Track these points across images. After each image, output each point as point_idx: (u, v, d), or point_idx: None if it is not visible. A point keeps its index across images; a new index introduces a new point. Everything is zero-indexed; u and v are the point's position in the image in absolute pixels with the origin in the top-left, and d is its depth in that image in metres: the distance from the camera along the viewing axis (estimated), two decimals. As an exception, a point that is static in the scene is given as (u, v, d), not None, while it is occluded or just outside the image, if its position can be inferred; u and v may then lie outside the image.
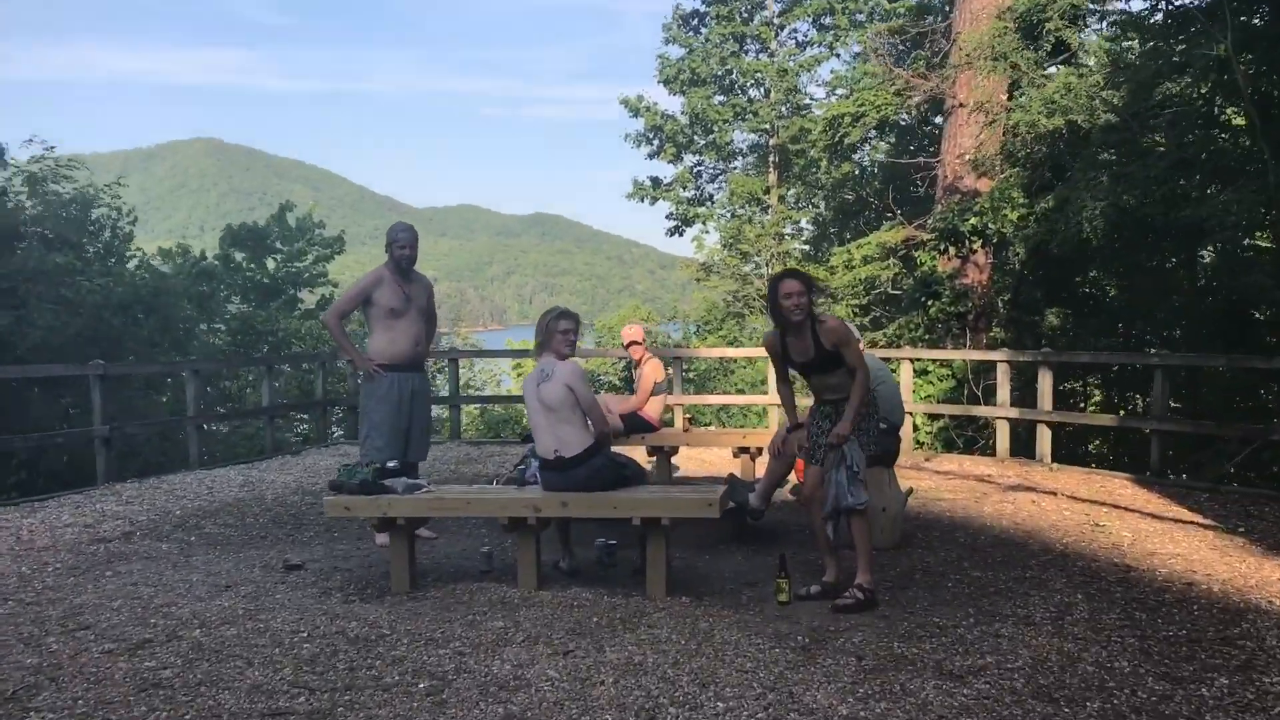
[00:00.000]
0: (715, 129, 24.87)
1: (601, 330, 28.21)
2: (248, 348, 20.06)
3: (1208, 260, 13.01)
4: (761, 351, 15.19)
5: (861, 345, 6.64)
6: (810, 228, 26.24)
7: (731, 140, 25.73)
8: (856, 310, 17.71)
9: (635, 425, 7.98)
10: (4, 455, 11.70)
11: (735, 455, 8.29)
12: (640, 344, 8.28)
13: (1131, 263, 12.40)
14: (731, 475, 7.60)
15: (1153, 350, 11.52)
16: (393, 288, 6.66)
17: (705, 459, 10.44)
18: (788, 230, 25.56)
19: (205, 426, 12.11)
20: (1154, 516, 7.59)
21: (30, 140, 16.53)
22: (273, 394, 11.90)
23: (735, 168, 26.74)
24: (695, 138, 25.59)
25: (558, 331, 5.68)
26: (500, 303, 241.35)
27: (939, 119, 20.59)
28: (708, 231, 26.06)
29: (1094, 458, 13.47)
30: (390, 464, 5.81)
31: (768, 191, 25.20)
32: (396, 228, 6.81)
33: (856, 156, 23.62)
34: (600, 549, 6.16)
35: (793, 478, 7.24)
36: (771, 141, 25.43)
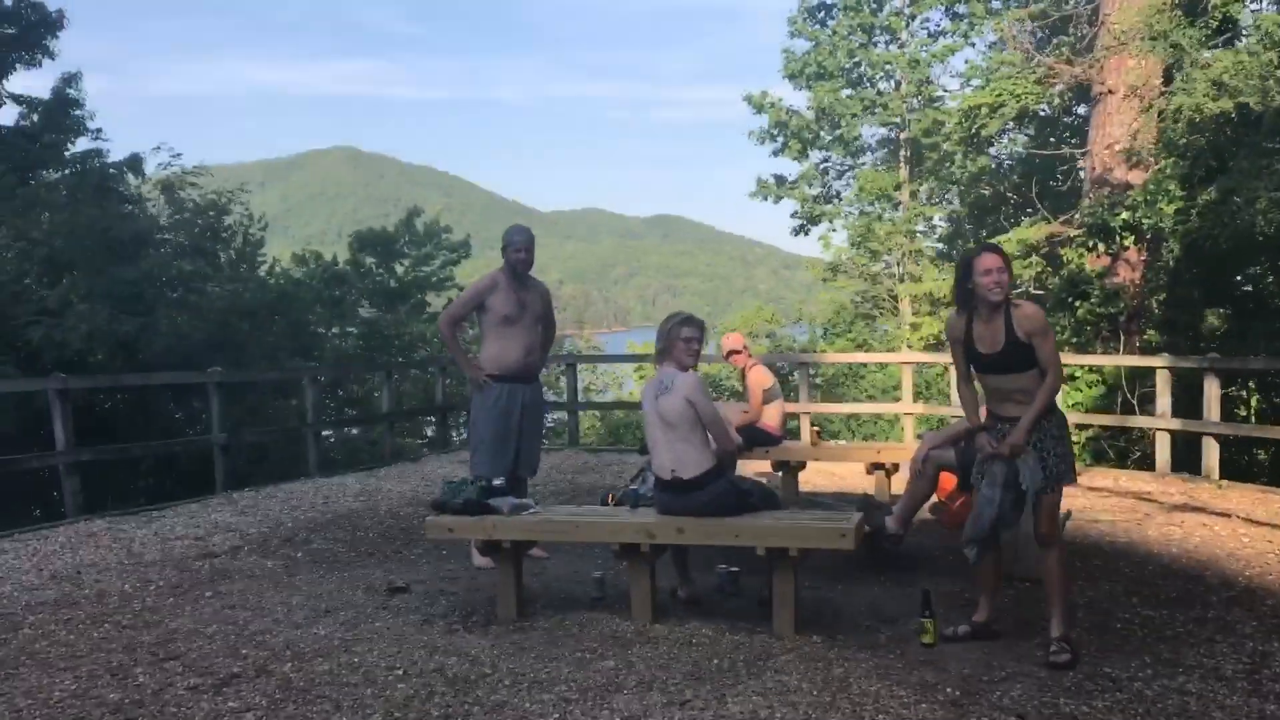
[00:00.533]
0: (843, 123, 24.04)
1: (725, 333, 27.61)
2: (376, 351, 20.19)
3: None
4: (894, 356, 14.46)
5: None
6: (944, 224, 25.20)
7: (859, 135, 24.86)
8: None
9: (755, 438, 7.46)
10: (130, 462, 11.84)
11: (869, 471, 7.71)
12: (740, 352, 7.79)
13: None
14: (866, 495, 7.04)
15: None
16: (507, 293, 6.30)
17: (835, 473, 9.84)
18: (920, 228, 24.57)
19: (323, 433, 11.94)
20: (1350, 545, 6.71)
21: (158, 148, 16.90)
22: (392, 399, 11.76)
23: (864, 163, 25.83)
24: (821, 133, 24.79)
25: (680, 339, 5.20)
26: (623, 304, 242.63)
27: (1081, 109, 19.52)
28: (834, 230, 25.22)
29: (1262, 472, 12.31)
30: (496, 482, 5.43)
31: (899, 188, 24.25)
32: (511, 231, 6.46)
33: (993, 150, 22.57)
34: (722, 576, 5.67)
35: (936, 496, 6.61)
36: (902, 135, 24.49)
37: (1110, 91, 13.63)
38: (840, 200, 25.90)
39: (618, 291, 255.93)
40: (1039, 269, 17.22)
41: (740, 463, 6.14)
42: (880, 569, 6.05)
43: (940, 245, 24.55)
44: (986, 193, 21.48)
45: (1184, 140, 11.63)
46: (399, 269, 24.93)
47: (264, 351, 14.72)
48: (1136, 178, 13.40)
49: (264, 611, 5.35)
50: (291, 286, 20.00)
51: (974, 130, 17.56)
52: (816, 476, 9.47)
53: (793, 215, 25.70)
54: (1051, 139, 19.63)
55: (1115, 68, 13.35)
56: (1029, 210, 18.56)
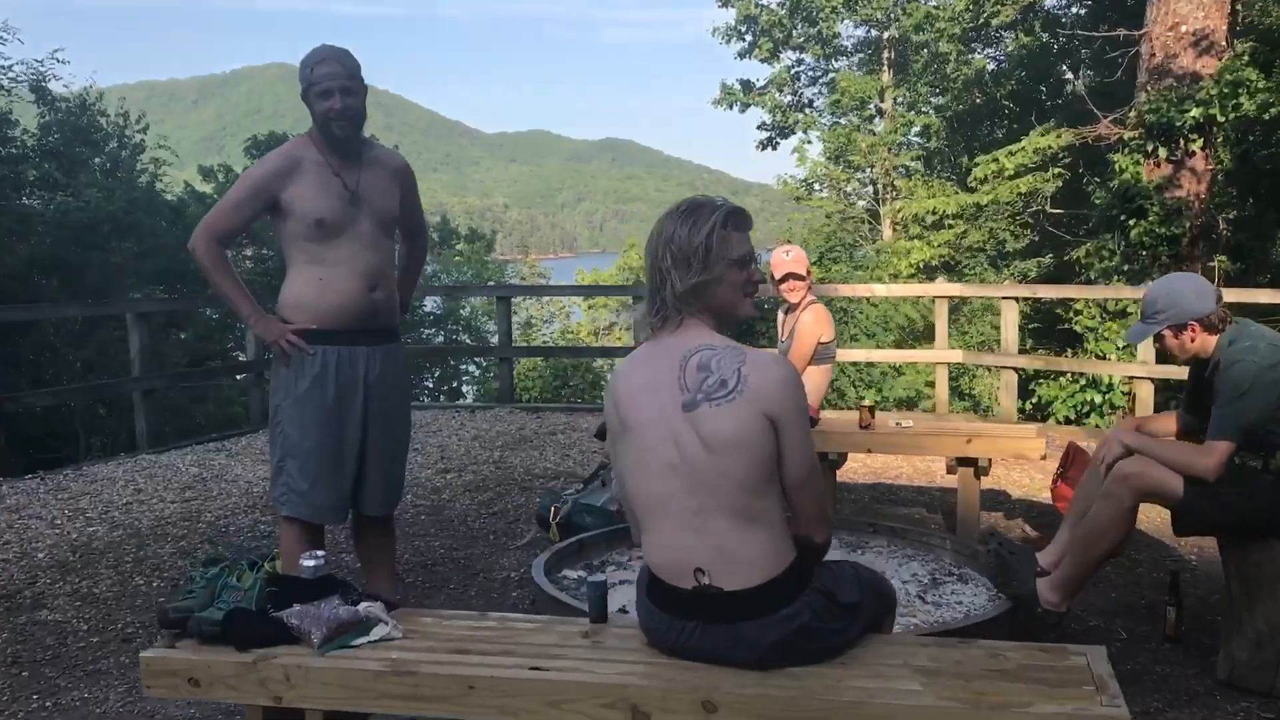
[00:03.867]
0: (820, 19, 21.06)
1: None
2: (273, 276, 17.28)
3: None
4: (927, 288, 11.66)
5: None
6: (919, 140, 22.35)
7: (838, 33, 21.90)
8: (1019, 231, 14.09)
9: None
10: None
11: (950, 470, 4.97)
12: (804, 280, 4.92)
13: None
14: (992, 530, 4.37)
15: None
16: (321, 177, 3.17)
17: (880, 462, 6.97)
18: (903, 140, 21.83)
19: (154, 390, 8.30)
20: None
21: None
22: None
23: (840, 67, 22.93)
24: (794, 32, 21.80)
25: (730, 259, 2.22)
26: (570, 230, 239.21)
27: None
28: (809, 142, 22.33)
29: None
30: (307, 564, 2.60)
31: (882, 94, 21.43)
32: (312, 56, 3.27)
33: (990, 51, 19.88)
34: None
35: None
36: (886, 34, 21.62)
37: (1180, -43, 10.93)
38: (813, 109, 23.04)
39: (565, 216, 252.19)
40: (1061, 182, 14.66)
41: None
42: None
43: (917, 165, 21.85)
44: (979, 100, 18.84)
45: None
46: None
47: (109, 277, 11.51)
48: (1207, 67, 10.83)
49: None
50: (188, 200, 17.37)
51: (981, 21, 14.90)
52: (854, 462, 6.63)
53: (760, 127, 22.81)
54: (1062, 39, 16.95)
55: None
56: (1026, 119, 16.01)
